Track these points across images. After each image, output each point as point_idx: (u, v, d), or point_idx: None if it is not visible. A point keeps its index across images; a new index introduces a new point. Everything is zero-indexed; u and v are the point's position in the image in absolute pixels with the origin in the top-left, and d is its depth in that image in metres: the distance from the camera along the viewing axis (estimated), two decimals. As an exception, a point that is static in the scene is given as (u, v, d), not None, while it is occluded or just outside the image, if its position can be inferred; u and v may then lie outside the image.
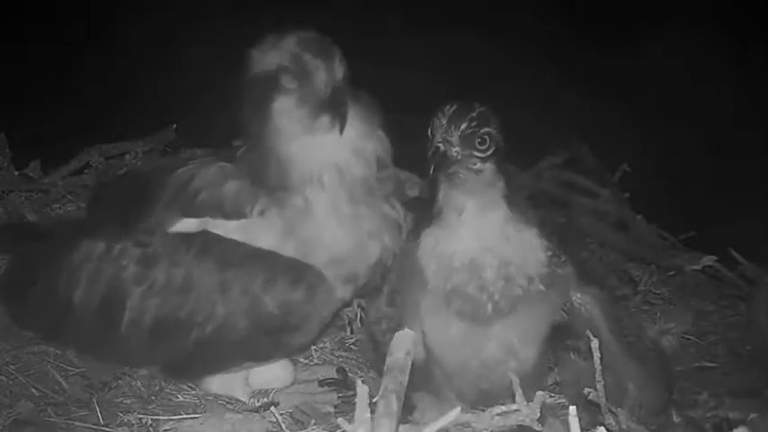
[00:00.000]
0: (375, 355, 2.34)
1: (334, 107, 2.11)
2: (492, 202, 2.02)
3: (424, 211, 2.21)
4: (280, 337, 2.18)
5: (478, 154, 1.98)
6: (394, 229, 2.27)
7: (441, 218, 2.06)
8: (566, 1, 4.34)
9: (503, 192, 2.03)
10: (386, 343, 1.90)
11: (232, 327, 2.16)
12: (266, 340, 2.19)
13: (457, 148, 1.96)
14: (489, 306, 2.04)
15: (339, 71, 2.11)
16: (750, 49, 3.86)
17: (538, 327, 2.13)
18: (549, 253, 2.10)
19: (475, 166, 1.98)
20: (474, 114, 1.97)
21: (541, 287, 2.07)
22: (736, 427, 1.99)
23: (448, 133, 1.96)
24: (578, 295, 2.17)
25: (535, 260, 2.07)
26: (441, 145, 1.96)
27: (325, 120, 2.13)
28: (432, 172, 1.97)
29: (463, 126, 1.96)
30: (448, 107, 1.98)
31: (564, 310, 2.17)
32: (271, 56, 2.14)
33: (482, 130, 1.97)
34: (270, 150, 2.17)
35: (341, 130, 2.13)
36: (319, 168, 2.16)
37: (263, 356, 2.27)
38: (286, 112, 2.13)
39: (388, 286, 2.28)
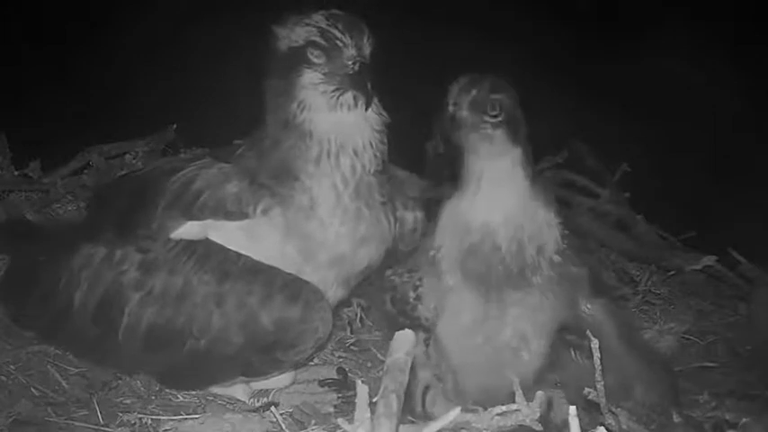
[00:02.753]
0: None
1: (359, 84, 2.10)
2: (507, 171, 2.05)
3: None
4: (275, 354, 2.16)
5: (488, 119, 2.01)
6: (382, 241, 2.26)
7: (461, 188, 2.09)
8: (566, 4, 4.34)
9: (518, 161, 2.06)
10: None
11: (227, 340, 2.15)
12: (261, 356, 2.17)
13: (466, 112, 2.00)
14: (501, 268, 2.07)
15: (367, 48, 2.11)
16: (750, 50, 3.86)
17: (549, 318, 2.14)
18: (564, 236, 2.12)
19: (485, 131, 2.01)
20: (486, 82, 2.02)
21: (555, 263, 2.10)
22: (735, 428, 2.00)
23: (459, 97, 2.01)
24: (588, 306, 2.19)
25: (548, 234, 2.10)
26: (450, 107, 2.00)
27: (349, 96, 2.13)
28: (440, 134, 2.01)
29: (474, 91, 2.00)
30: (464, 77, 2.03)
31: (574, 319, 2.18)
32: (299, 31, 2.14)
33: (492, 96, 2.01)
34: (292, 127, 2.16)
35: (366, 107, 2.13)
36: (338, 148, 2.15)
37: (257, 372, 2.24)
38: (312, 87, 2.13)
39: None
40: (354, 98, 2.12)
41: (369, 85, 2.10)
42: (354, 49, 2.10)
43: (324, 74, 2.12)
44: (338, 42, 2.09)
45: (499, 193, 2.06)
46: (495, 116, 2.02)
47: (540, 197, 2.10)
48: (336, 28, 2.10)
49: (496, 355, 2.12)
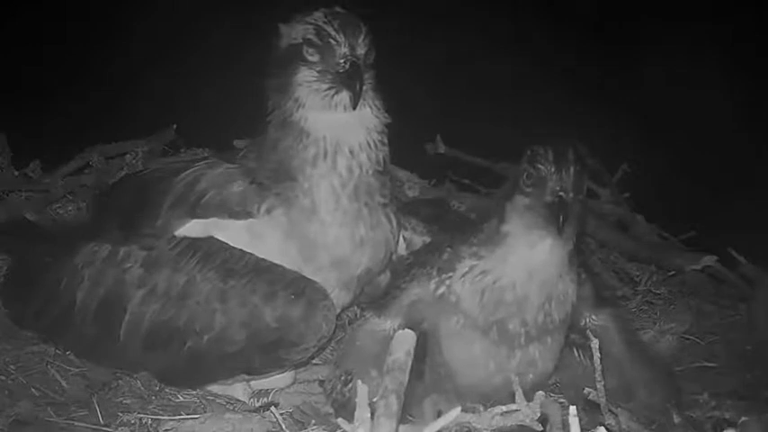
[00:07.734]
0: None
1: (348, 83, 2.10)
2: (566, 239, 1.98)
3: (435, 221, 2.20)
4: (277, 352, 2.16)
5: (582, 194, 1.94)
6: (384, 242, 2.25)
7: (499, 247, 2.02)
8: (568, 8, 4.35)
9: (579, 227, 2.00)
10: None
11: (230, 338, 2.15)
12: (263, 354, 2.16)
13: (571, 194, 1.90)
14: (523, 338, 2.06)
15: (361, 48, 2.11)
16: (750, 50, 3.86)
17: (558, 344, 2.16)
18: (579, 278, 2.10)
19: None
20: (574, 156, 1.91)
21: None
22: (733, 426, 1.99)
23: (562, 180, 1.89)
24: (593, 317, 2.19)
25: (572, 296, 2.08)
26: (563, 194, 1.88)
27: (344, 96, 2.12)
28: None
29: (571, 170, 1.90)
30: (548, 151, 1.91)
31: (580, 330, 2.20)
32: (297, 29, 2.15)
33: (584, 169, 1.93)
34: (288, 125, 2.16)
35: (354, 106, 2.11)
36: (334, 147, 2.15)
37: (259, 370, 2.23)
38: (306, 85, 2.13)
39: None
40: (350, 98, 2.12)
41: (358, 85, 2.09)
42: (347, 47, 2.10)
43: (318, 71, 2.13)
44: (331, 41, 2.10)
45: (547, 265, 1.99)
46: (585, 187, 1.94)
47: (574, 254, 2.04)
48: (332, 26, 2.10)
49: (505, 376, 2.11)
